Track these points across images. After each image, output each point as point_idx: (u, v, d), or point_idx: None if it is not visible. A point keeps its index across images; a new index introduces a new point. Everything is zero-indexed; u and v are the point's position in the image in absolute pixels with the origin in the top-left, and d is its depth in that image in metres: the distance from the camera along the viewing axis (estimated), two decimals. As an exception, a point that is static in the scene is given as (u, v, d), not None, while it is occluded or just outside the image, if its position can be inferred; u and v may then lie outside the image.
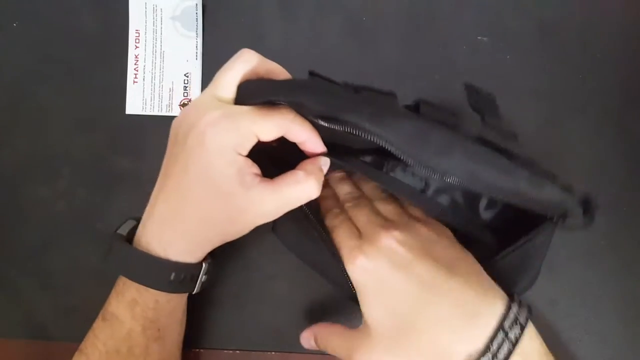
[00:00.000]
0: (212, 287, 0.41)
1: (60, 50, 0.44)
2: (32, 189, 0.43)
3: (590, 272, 0.41)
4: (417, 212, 0.34)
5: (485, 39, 0.43)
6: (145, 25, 0.43)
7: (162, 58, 0.43)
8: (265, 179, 0.30)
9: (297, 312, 0.41)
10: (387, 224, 0.32)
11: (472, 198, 0.36)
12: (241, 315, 0.41)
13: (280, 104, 0.30)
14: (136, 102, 0.43)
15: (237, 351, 0.41)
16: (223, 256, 0.41)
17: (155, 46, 0.43)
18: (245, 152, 0.30)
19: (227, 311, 0.41)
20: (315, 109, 0.28)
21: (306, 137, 0.31)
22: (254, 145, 0.30)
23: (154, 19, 0.43)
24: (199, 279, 0.33)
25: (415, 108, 0.29)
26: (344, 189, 0.36)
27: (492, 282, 0.30)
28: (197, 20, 0.43)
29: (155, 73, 0.43)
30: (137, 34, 0.43)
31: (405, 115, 0.28)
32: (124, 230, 0.33)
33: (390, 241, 0.30)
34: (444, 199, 0.36)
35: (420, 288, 0.29)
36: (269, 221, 0.31)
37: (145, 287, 0.31)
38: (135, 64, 0.43)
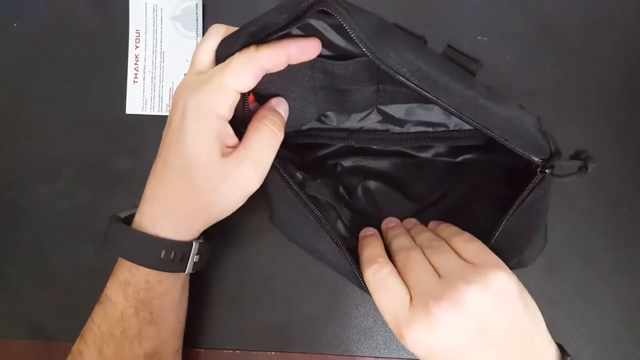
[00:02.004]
0: (212, 286, 0.41)
1: (60, 51, 0.44)
2: (32, 189, 0.43)
3: (590, 272, 0.41)
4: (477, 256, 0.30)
5: (485, 39, 0.43)
6: (145, 25, 0.43)
7: (162, 58, 0.43)
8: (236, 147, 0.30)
9: (297, 312, 0.41)
10: (442, 290, 0.28)
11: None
12: (241, 315, 0.41)
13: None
14: (136, 102, 0.43)
15: (237, 351, 0.41)
16: (223, 256, 0.41)
17: (155, 46, 0.43)
18: (226, 112, 0.29)
19: (227, 311, 0.41)
20: (282, 18, 0.27)
21: (282, 52, 0.29)
22: (242, 103, 0.30)
23: (154, 19, 0.43)
24: (190, 258, 0.33)
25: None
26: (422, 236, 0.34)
27: (545, 346, 0.29)
28: (197, 20, 0.43)
29: (155, 73, 0.43)
30: (137, 34, 0.43)
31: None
32: (123, 214, 0.34)
33: (443, 317, 0.27)
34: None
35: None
36: (255, 188, 0.31)
37: (136, 266, 0.32)
38: (135, 64, 0.43)
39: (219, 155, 0.29)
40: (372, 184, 0.39)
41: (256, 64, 0.28)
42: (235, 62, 0.29)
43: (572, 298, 0.41)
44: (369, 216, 0.38)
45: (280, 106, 0.33)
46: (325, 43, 0.31)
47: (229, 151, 0.30)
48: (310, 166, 0.38)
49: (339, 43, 0.32)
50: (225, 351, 0.41)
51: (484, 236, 0.32)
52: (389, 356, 0.41)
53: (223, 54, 0.30)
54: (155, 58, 0.43)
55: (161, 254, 0.31)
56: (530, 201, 0.31)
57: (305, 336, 0.41)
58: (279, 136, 0.31)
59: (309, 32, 0.30)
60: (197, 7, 0.43)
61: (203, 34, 0.43)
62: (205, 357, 0.41)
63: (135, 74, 0.43)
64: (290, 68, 0.32)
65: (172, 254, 0.31)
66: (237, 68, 0.28)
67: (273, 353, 0.41)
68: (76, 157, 0.43)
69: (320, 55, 0.32)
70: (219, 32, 0.31)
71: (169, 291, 0.33)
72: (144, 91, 0.43)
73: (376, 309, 0.41)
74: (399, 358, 0.41)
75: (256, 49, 0.29)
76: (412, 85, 0.28)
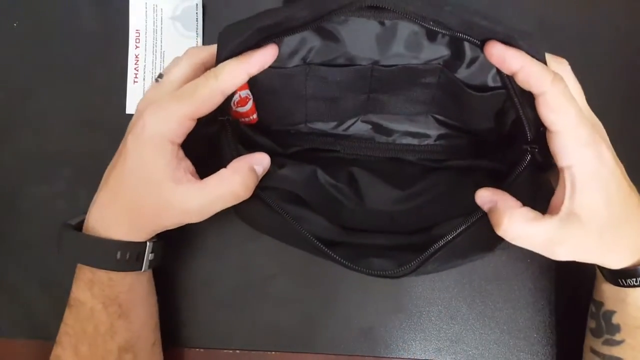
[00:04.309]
0: (212, 286, 0.41)
1: (60, 50, 0.44)
2: (32, 189, 0.43)
3: (590, 272, 0.41)
4: None
5: (485, 39, 0.43)
6: (146, 25, 0.43)
7: (162, 58, 0.43)
8: (195, 178, 0.31)
9: (297, 312, 0.41)
10: None
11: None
12: (241, 315, 0.41)
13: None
14: (136, 102, 0.43)
15: (237, 351, 0.41)
16: (223, 256, 0.41)
17: (155, 46, 0.43)
18: (180, 139, 0.31)
19: (227, 311, 0.41)
20: (304, 13, 0.27)
21: (241, 73, 0.30)
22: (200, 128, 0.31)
23: (154, 19, 0.43)
24: (145, 257, 0.34)
25: None
26: None
27: None
28: (197, 20, 0.43)
29: (155, 73, 0.43)
30: (137, 34, 0.43)
31: None
32: (74, 221, 0.35)
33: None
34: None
35: (628, 185, 0.31)
36: (196, 221, 0.32)
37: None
38: (135, 64, 0.43)
39: (170, 181, 0.30)
40: (354, 170, 0.38)
41: (218, 94, 0.30)
42: (197, 97, 0.29)
43: (572, 298, 0.41)
44: (349, 202, 0.38)
45: (261, 164, 0.33)
46: (334, 39, 0.32)
47: (185, 178, 0.31)
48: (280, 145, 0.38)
49: (347, 44, 0.32)
50: (225, 351, 0.41)
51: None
52: (388, 356, 0.41)
53: (225, 53, 0.30)
54: (155, 58, 0.43)
55: (117, 255, 0.32)
56: (521, 181, 0.31)
57: (305, 336, 0.41)
58: (242, 198, 0.31)
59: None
60: (197, 7, 0.43)
61: (203, 34, 0.43)
62: (205, 357, 0.41)
63: (135, 74, 0.43)
64: (284, 73, 0.33)
65: (128, 254, 0.32)
66: (199, 102, 0.30)
67: (273, 353, 0.41)
68: (76, 157, 0.43)
69: (317, 63, 0.33)
70: (195, 56, 0.32)
71: (134, 285, 0.34)
72: (144, 91, 0.43)
73: (376, 309, 0.41)
74: (399, 358, 0.41)
75: (215, 78, 0.29)
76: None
